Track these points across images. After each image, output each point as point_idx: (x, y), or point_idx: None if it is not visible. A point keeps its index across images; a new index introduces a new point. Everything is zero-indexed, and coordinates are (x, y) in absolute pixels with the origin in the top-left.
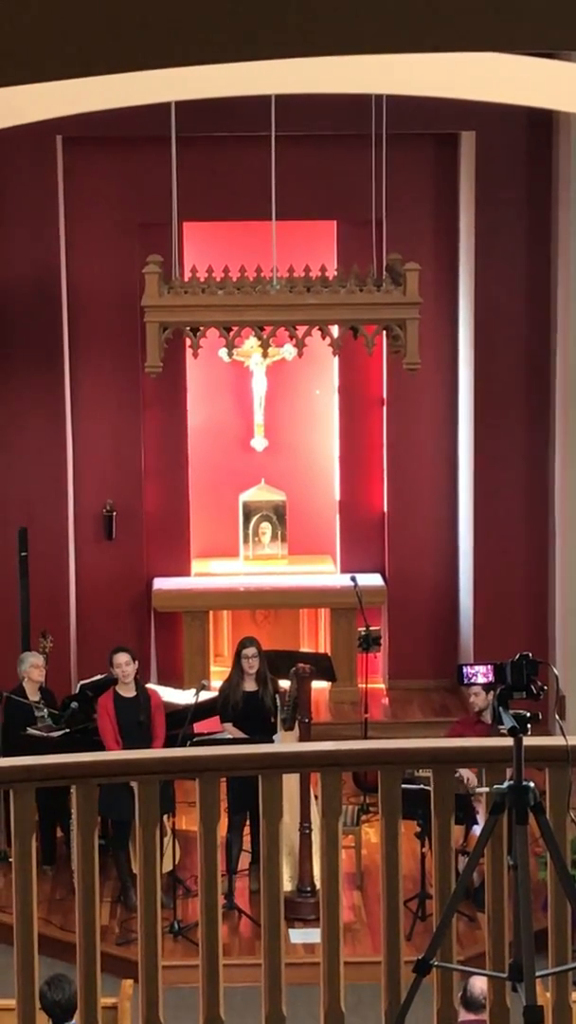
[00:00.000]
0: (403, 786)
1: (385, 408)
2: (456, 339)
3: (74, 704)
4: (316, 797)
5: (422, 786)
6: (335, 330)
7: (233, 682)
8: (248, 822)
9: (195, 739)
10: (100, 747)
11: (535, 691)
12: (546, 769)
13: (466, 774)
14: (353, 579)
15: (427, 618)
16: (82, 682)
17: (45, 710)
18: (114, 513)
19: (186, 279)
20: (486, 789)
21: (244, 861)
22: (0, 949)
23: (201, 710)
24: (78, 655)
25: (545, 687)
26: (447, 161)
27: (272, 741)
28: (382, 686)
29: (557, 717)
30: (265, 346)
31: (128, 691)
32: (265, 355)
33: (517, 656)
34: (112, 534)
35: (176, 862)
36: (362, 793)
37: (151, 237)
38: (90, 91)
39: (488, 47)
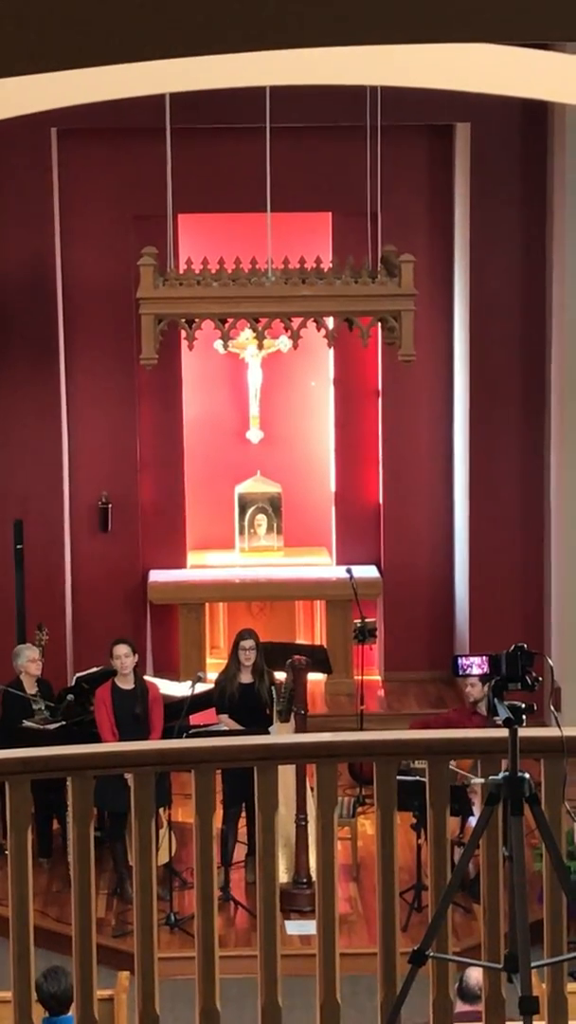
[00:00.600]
0: (399, 777)
1: (380, 400)
2: (451, 330)
3: (70, 696)
4: (312, 789)
5: (418, 778)
6: (330, 322)
7: (229, 674)
8: (244, 814)
9: (191, 731)
10: (97, 739)
11: (530, 682)
12: (541, 760)
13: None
14: (349, 571)
15: (423, 610)
16: (78, 674)
17: (42, 703)
18: (110, 505)
19: (181, 271)
20: (482, 780)
21: (240, 853)
22: None
23: (197, 702)
24: (74, 647)
25: (540, 678)
26: (442, 153)
27: (268, 733)
28: (378, 678)
29: (552, 708)
30: (260, 338)
31: (126, 683)
32: (260, 347)
33: (512, 647)
34: (108, 526)
35: (172, 854)
36: (358, 785)
37: (146, 229)
38: (84, 83)
39: (483, 38)
